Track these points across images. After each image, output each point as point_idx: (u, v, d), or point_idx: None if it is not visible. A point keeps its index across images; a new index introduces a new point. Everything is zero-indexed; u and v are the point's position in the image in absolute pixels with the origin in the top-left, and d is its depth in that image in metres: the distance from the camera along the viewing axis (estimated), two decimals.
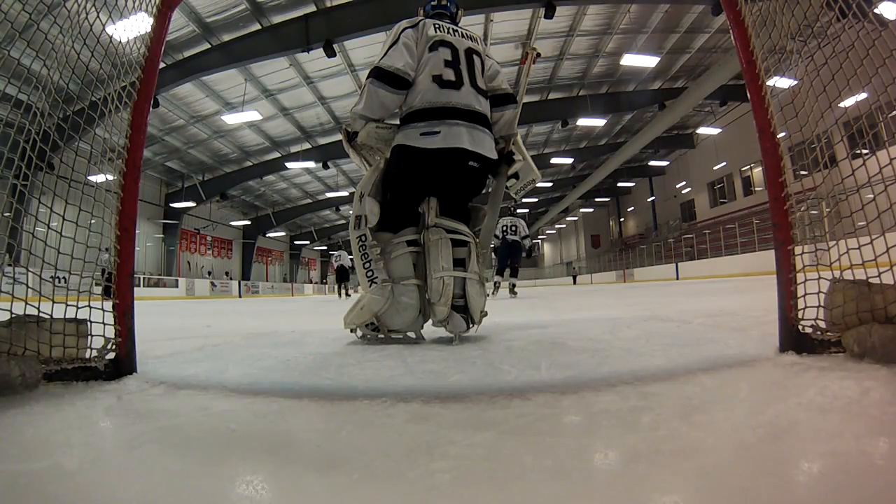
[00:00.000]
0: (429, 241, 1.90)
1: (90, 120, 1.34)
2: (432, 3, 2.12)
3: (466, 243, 1.93)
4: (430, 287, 1.87)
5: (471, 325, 1.87)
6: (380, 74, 1.83)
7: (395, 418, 0.85)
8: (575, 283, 29.80)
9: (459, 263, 1.89)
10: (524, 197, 2.12)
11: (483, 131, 1.89)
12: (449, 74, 1.86)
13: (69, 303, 1.21)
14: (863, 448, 0.62)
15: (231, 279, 25.03)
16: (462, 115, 1.84)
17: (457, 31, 1.98)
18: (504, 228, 8.12)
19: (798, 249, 1.21)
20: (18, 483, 0.61)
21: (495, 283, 7.98)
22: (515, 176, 2.17)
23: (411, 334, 1.93)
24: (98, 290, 1.28)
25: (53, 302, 1.18)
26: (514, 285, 8.29)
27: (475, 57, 1.95)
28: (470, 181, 1.93)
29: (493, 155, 1.93)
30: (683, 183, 27.20)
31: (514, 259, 8.18)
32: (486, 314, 1.96)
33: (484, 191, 2.06)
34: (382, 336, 1.92)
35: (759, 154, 1.26)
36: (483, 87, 1.95)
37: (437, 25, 1.94)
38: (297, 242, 35.08)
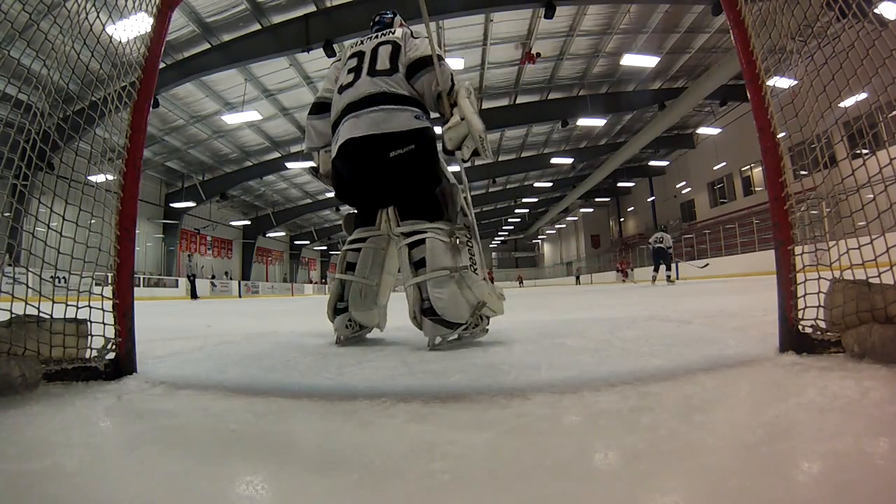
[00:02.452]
0: (399, 251, 1.83)
1: (90, 120, 1.34)
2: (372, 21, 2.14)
3: (422, 242, 1.73)
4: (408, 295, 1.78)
5: (449, 328, 1.66)
6: (311, 108, 2.03)
7: (395, 418, 0.85)
8: (578, 282, 29.85)
9: (420, 265, 1.72)
10: (477, 158, 1.79)
11: (383, 110, 1.72)
12: (347, 78, 1.84)
13: (69, 303, 1.21)
14: (863, 448, 0.62)
15: (231, 279, 25.03)
16: (353, 108, 1.75)
17: (378, 36, 1.94)
18: (655, 239, 11.83)
19: (798, 249, 1.21)
20: (18, 483, 0.61)
21: (652, 277, 12.10)
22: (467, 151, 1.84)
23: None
24: (97, 289, 1.28)
25: (53, 302, 1.18)
26: (668, 276, 11.86)
27: (381, 48, 1.87)
28: (391, 168, 1.71)
29: (401, 128, 1.71)
30: (683, 183, 27.18)
31: (664, 260, 11.71)
32: (482, 312, 1.73)
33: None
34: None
35: (759, 154, 1.26)
36: (388, 67, 1.81)
37: (358, 42, 1.97)
38: (297, 242, 35.06)
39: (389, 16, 2.12)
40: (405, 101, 1.77)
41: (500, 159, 23.33)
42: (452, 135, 1.76)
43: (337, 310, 1.92)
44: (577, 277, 31.47)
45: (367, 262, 1.91)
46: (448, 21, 11.71)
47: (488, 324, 1.82)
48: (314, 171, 2.14)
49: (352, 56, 1.93)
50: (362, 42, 1.96)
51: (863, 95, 1.16)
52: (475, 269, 1.79)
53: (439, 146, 1.85)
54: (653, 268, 12.08)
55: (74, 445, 0.76)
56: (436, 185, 1.86)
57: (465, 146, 1.76)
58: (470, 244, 1.83)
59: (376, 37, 1.95)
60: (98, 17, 1.33)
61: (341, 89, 1.85)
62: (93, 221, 1.30)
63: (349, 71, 1.87)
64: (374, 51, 1.87)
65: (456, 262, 1.72)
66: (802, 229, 1.28)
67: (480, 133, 1.74)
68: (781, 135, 1.25)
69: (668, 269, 11.83)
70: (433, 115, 1.90)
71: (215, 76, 13.03)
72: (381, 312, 2.01)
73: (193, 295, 16.51)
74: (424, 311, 1.69)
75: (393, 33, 1.93)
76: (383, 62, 1.82)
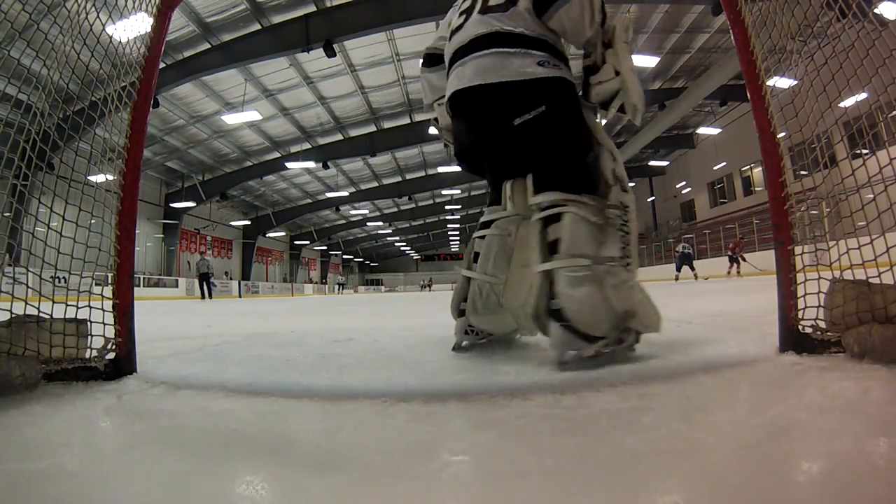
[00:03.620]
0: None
1: (90, 120, 1.34)
2: None
3: (559, 218, 1.28)
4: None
5: (585, 342, 1.20)
6: (423, 60, 1.75)
7: (395, 418, 0.85)
8: None
9: (554, 248, 1.28)
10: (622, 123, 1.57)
11: (494, 54, 1.35)
12: (458, 21, 1.51)
13: (69, 303, 1.21)
14: (863, 448, 0.62)
15: (231, 279, 25.03)
16: (460, 54, 1.43)
17: None
18: (682, 247, 15.21)
19: (798, 249, 1.21)
20: (18, 483, 0.61)
21: (675, 276, 15.07)
22: (608, 105, 1.42)
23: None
24: (97, 289, 1.28)
25: (53, 302, 1.18)
26: (696, 275, 14.42)
27: None
28: (519, 137, 1.35)
29: (518, 76, 1.31)
30: (683, 183, 27.17)
31: (687, 263, 14.64)
32: (628, 325, 1.25)
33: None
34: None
35: (759, 154, 1.26)
36: (504, 1, 1.41)
37: None
38: (297, 242, 35.05)
39: None
40: (525, 42, 1.35)
41: None
42: (601, 90, 1.40)
43: (460, 311, 1.56)
44: None
45: (490, 252, 1.50)
46: None
47: (638, 340, 1.32)
48: (435, 122, 1.81)
49: None
50: None
51: (863, 95, 1.16)
52: (627, 265, 1.31)
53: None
54: (675, 267, 15.22)
55: (74, 445, 0.76)
56: (586, 152, 1.39)
57: (612, 106, 1.40)
58: (625, 229, 1.32)
59: None
60: (98, 17, 1.33)
61: (452, 35, 1.53)
62: (93, 221, 1.30)
63: (461, 13, 1.52)
64: None
65: (600, 251, 1.26)
66: (802, 229, 1.28)
67: (638, 101, 1.38)
68: (781, 135, 1.25)
69: (692, 268, 14.59)
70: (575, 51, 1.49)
71: (215, 76, 13.03)
72: (523, 315, 1.49)
73: (208, 294, 15.80)
74: (552, 313, 1.24)
75: None
76: None
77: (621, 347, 1.26)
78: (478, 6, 1.45)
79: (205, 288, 15.93)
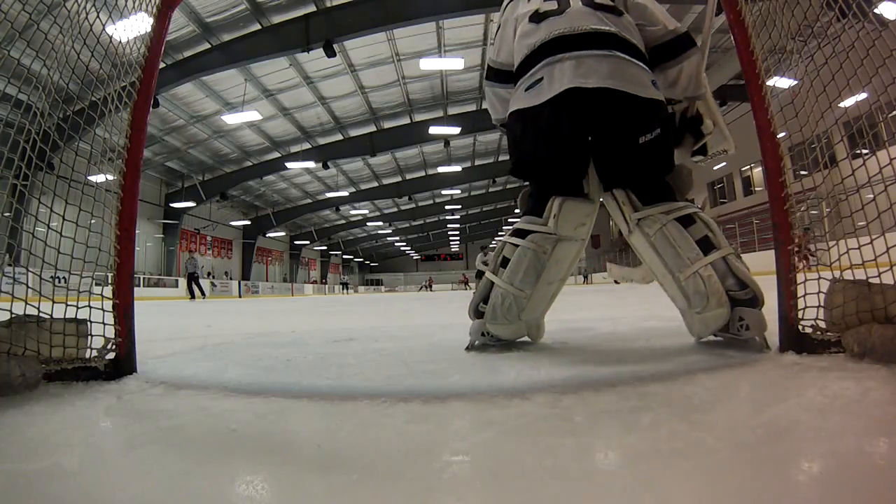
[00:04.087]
0: (648, 238, 1.39)
1: (90, 120, 1.34)
2: None
3: (693, 219, 1.35)
4: (678, 293, 1.36)
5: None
6: (488, 73, 1.62)
7: (395, 418, 0.85)
8: (586, 281, 29.96)
9: (706, 245, 1.32)
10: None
11: (617, 57, 1.28)
12: (548, 5, 1.39)
13: (69, 303, 1.21)
14: (863, 448, 0.62)
15: (231, 279, 25.03)
16: (569, 43, 1.30)
17: None
18: None
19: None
20: (18, 483, 0.61)
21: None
22: (702, 151, 1.57)
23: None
24: (97, 289, 1.28)
25: (53, 302, 1.18)
26: None
27: None
28: (633, 155, 1.31)
29: (642, 91, 1.27)
30: None
31: None
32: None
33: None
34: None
35: (759, 154, 1.26)
36: (611, 3, 1.38)
37: None
38: (297, 242, 35.06)
39: None
40: (640, 56, 1.34)
41: (499, 159, 23.33)
42: (711, 145, 1.55)
43: (478, 312, 1.54)
44: (585, 276, 31.51)
45: (521, 265, 1.45)
46: (448, 21, 11.71)
47: None
48: (499, 123, 1.68)
49: None
50: None
51: (863, 95, 1.16)
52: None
53: None
54: None
55: (74, 445, 0.76)
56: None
57: (713, 153, 1.57)
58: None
59: None
60: (98, 17, 1.33)
61: (538, 17, 1.40)
62: (93, 221, 1.29)
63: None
64: None
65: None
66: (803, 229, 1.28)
67: (731, 147, 1.52)
68: (781, 135, 1.25)
69: None
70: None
71: (215, 76, 13.04)
72: (534, 325, 1.60)
73: (194, 294, 15.40)
74: (740, 301, 1.27)
75: None
76: None
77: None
78: None
79: (193, 287, 15.48)
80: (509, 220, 39.15)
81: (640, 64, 1.32)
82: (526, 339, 1.65)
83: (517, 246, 1.47)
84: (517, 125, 1.42)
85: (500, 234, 44.22)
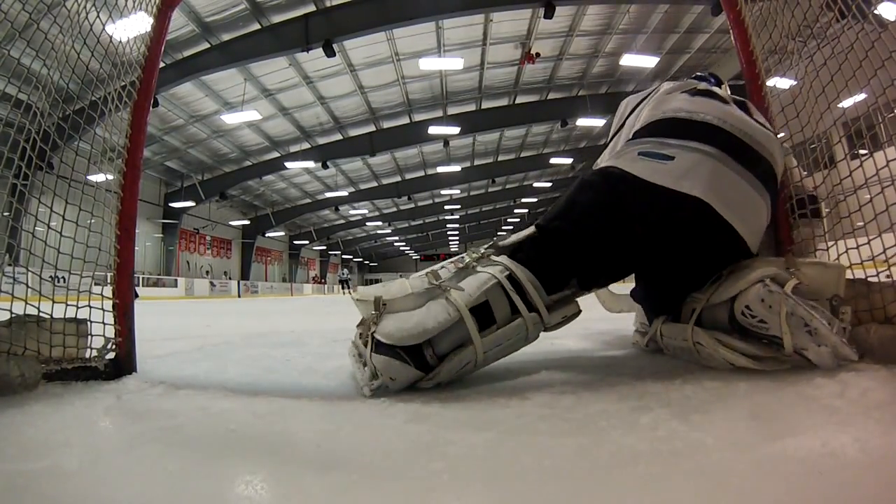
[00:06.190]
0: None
1: (90, 120, 1.34)
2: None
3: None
4: None
5: None
6: None
7: (394, 418, 0.85)
8: None
9: None
10: None
11: (752, 180, 1.07)
12: (705, 84, 1.22)
13: (69, 303, 1.21)
14: (863, 448, 0.62)
15: (230, 279, 25.00)
16: (718, 135, 1.07)
17: None
18: None
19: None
20: (18, 483, 0.61)
21: None
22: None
23: None
24: (97, 289, 1.28)
25: (53, 302, 1.18)
26: None
27: None
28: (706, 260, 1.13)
29: (752, 245, 1.09)
30: None
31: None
32: None
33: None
34: None
35: None
36: None
37: None
38: (296, 242, 35.01)
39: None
40: (768, 181, 1.19)
41: (499, 159, 23.33)
42: None
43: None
44: None
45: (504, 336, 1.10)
46: (448, 21, 11.70)
47: None
48: None
49: None
50: None
51: (862, 96, 1.16)
52: None
53: None
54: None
55: (74, 445, 0.76)
56: None
57: None
58: None
59: None
60: (98, 16, 1.33)
61: (694, 91, 1.24)
62: (93, 221, 1.29)
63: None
64: None
65: None
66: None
67: None
68: (781, 135, 1.25)
69: None
70: None
71: (215, 76, 13.01)
72: None
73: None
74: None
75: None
76: None
77: None
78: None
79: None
80: (509, 219, 39.14)
81: (768, 191, 1.16)
82: None
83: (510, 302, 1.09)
84: (615, 187, 1.16)
85: (499, 233, 44.23)
